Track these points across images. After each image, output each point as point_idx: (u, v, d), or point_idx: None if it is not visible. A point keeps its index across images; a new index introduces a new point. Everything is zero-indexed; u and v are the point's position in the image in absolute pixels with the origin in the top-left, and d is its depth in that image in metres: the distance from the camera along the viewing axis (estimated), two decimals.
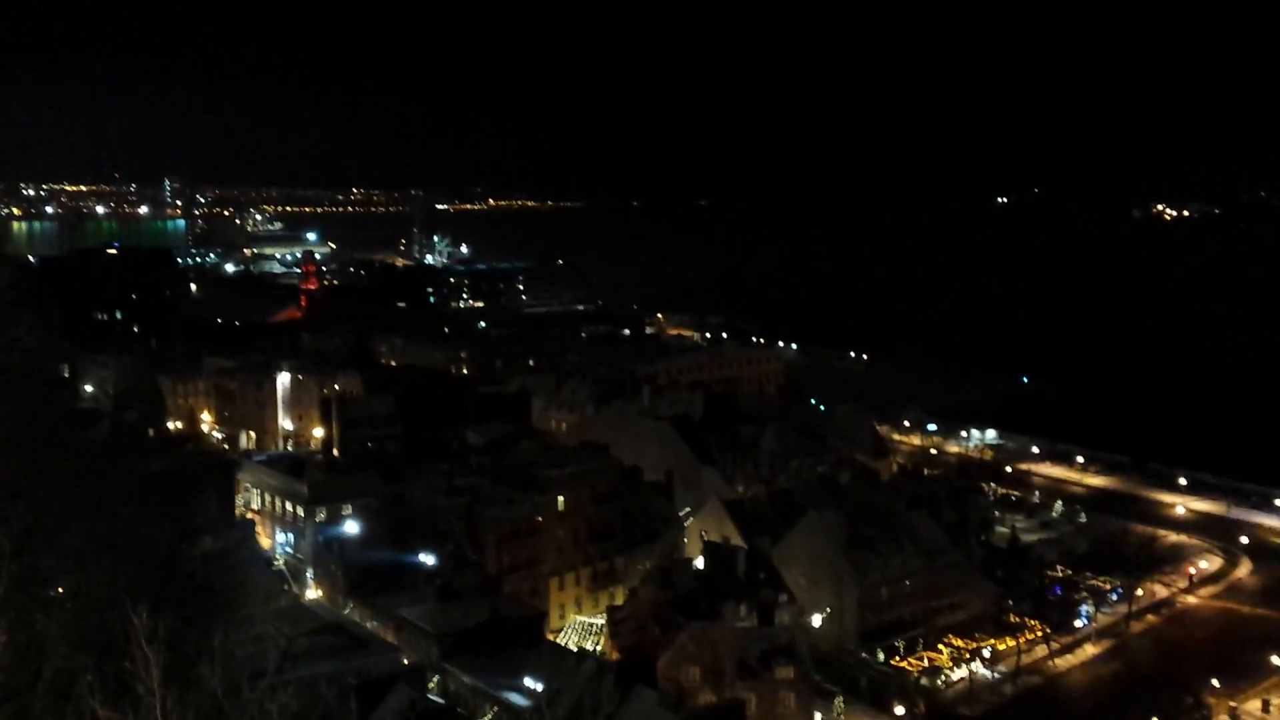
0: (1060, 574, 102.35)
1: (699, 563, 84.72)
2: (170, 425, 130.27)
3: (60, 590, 44.20)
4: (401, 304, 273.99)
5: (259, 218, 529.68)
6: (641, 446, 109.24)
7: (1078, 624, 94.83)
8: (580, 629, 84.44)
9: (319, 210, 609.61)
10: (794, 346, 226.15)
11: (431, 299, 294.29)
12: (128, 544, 49.90)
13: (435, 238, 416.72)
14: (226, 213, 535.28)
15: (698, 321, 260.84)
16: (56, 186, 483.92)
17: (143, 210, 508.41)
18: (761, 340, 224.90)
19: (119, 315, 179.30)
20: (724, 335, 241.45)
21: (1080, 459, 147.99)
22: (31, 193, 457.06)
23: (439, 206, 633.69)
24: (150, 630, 38.05)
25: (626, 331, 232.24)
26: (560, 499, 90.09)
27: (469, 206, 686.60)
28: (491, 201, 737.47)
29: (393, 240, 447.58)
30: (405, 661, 64.46)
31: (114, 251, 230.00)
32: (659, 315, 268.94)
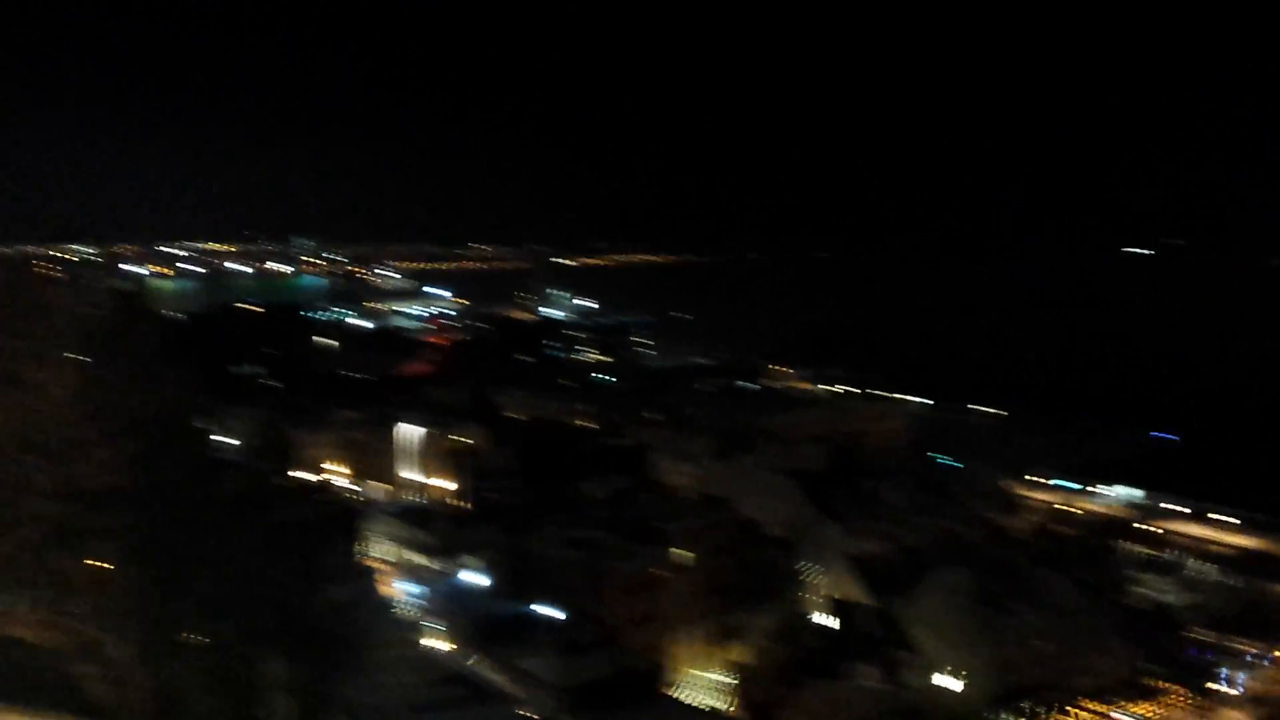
0: (1202, 637, 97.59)
1: (823, 620, 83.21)
2: (301, 475, 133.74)
3: (196, 637, 45.42)
4: (523, 357, 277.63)
5: (388, 274, 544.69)
6: (762, 501, 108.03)
7: (1221, 690, 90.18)
8: (701, 685, 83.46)
9: (445, 266, 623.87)
10: (920, 399, 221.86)
11: (552, 352, 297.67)
12: (260, 592, 51.08)
13: (556, 291, 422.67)
14: (357, 269, 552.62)
15: (819, 374, 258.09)
16: (196, 244, 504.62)
17: (278, 267, 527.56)
18: (886, 393, 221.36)
19: (256, 369, 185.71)
20: (847, 388, 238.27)
21: (1224, 517, 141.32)
22: (172, 251, 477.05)
23: (559, 260, 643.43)
24: (281, 679, 38.88)
25: (747, 384, 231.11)
26: (681, 553, 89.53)
27: (589, 260, 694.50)
28: (611, 256, 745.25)
29: (515, 294, 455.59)
30: (527, 714, 64.46)
31: (251, 307, 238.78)
32: (780, 368, 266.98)
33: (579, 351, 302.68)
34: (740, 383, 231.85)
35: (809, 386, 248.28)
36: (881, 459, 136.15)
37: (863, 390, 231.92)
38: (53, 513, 42.23)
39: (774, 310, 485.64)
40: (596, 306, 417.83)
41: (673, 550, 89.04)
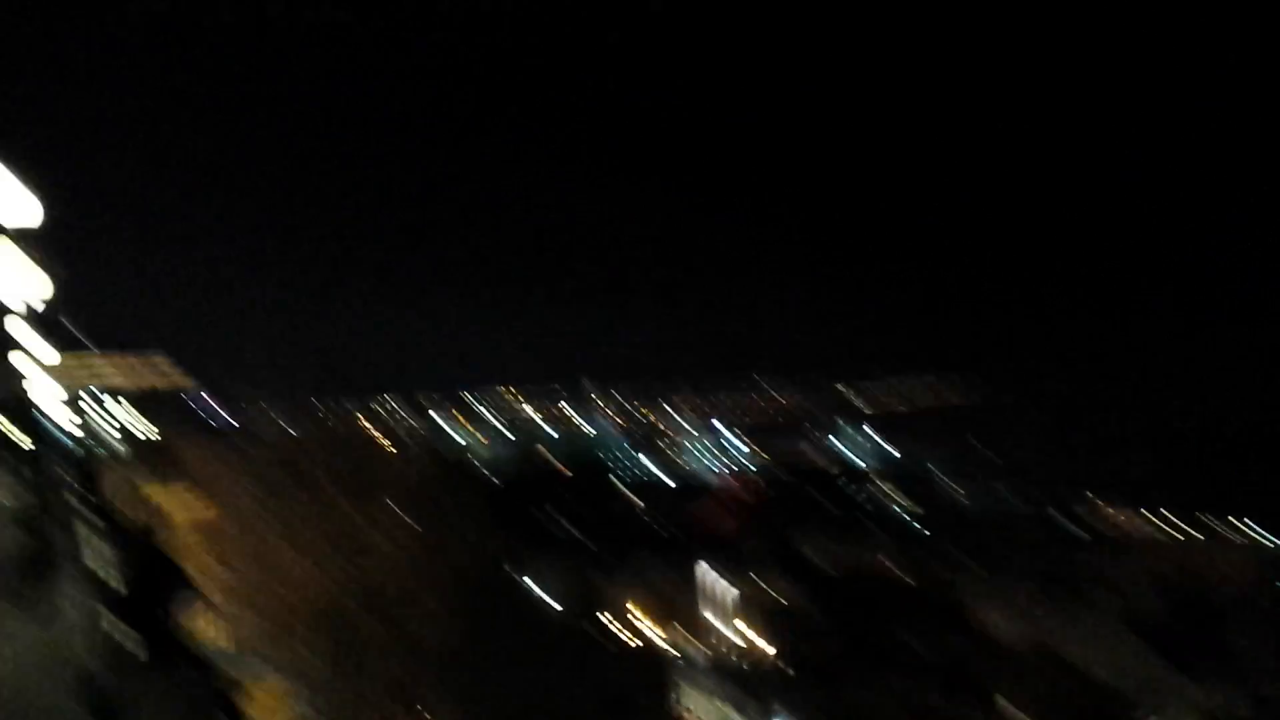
0: None
1: None
2: (610, 625, 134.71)
3: None
4: (823, 500, 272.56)
5: (677, 416, 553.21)
6: (1099, 652, 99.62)
7: None
8: None
9: (732, 403, 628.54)
10: (1271, 535, 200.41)
11: (853, 494, 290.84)
12: None
13: (849, 428, 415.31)
14: (648, 413, 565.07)
15: (1151, 511, 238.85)
16: (493, 387, 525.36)
17: (573, 415, 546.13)
18: (1230, 528, 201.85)
19: (563, 519, 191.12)
20: (1185, 525, 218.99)
21: None
22: (472, 400, 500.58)
23: (845, 392, 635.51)
24: None
25: (1069, 525, 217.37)
26: (1014, 710, 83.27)
27: (882, 398, 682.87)
28: (902, 392, 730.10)
29: (807, 432, 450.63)
30: None
31: (556, 462, 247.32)
32: (1105, 505, 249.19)
33: (881, 493, 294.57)
34: (1062, 522, 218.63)
35: (1140, 524, 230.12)
36: (1232, 604, 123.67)
37: (1203, 526, 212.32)
38: (391, 668, 43.33)
39: (1089, 443, 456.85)
40: (894, 448, 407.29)
41: (1004, 706, 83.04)
